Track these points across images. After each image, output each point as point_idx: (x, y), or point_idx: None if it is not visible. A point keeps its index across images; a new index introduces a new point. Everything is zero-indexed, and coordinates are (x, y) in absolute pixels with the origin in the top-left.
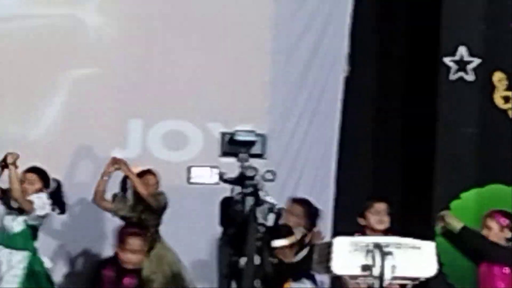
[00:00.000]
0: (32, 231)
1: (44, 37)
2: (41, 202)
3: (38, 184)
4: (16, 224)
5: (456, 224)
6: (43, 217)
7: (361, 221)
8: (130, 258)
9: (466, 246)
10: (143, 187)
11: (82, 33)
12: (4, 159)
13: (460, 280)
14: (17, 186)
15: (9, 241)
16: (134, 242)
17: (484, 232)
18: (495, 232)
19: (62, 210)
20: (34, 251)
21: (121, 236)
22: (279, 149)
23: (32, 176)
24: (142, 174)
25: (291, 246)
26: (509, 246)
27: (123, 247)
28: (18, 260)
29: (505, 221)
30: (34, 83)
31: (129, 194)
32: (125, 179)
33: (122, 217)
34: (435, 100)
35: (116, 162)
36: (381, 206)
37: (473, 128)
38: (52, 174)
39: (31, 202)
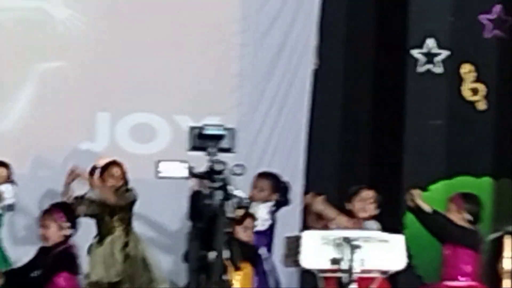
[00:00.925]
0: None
1: (12, 30)
2: (9, 192)
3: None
4: None
5: (425, 207)
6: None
7: (348, 205)
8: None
9: (434, 226)
10: (105, 191)
11: (50, 26)
12: None
13: (429, 272)
14: None
15: None
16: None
17: (446, 214)
18: (454, 214)
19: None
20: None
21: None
22: (248, 141)
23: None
24: (107, 166)
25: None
26: (472, 229)
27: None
28: None
29: (462, 204)
30: (2, 76)
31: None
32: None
33: (92, 216)
34: (403, 93)
35: (73, 172)
36: (368, 194)
37: (441, 120)
38: (20, 167)
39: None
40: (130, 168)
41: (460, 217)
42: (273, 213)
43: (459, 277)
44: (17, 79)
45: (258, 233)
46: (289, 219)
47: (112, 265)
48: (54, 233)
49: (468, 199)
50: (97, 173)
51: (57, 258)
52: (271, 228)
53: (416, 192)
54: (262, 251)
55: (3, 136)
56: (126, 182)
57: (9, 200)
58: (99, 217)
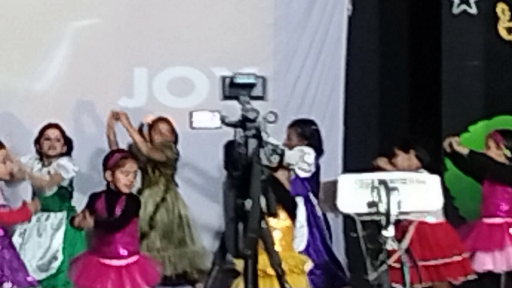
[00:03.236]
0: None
1: None
2: (70, 164)
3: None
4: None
5: (463, 150)
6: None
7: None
8: (128, 180)
9: (472, 167)
10: (142, 143)
11: None
12: None
13: (471, 213)
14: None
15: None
16: (130, 164)
17: (485, 151)
18: (493, 150)
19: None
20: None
21: (115, 161)
22: (285, 91)
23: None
24: (154, 122)
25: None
26: (511, 165)
27: (118, 170)
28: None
29: (501, 140)
30: (37, 36)
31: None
32: (140, 129)
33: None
34: (439, 34)
35: (116, 114)
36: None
37: (478, 61)
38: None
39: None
40: None
41: (499, 154)
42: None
43: (498, 214)
44: (53, 38)
45: (303, 179)
46: (330, 167)
47: (143, 218)
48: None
49: (507, 136)
50: (145, 130)
51: (131, 202)
52: (315, 175)
53: (453, 139)
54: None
55: (41, 96)
56: (176, 138)
57: (72, 172)
58: (143, 169)
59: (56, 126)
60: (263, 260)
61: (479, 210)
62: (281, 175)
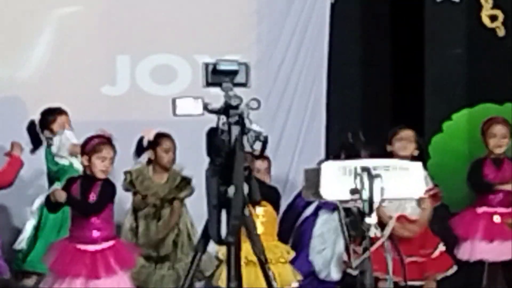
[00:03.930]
0: None
1: None
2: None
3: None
4: None
5: None
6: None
7: (389, 148)
8: (104, 166)
9: None
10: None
11: None
12: None
13: (454, 201)
14: None
15: None
16: (107, 150)
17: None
18: None
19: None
20: None
21: (92, 146)
22: (268, 78)
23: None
24: (158, 139)
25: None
26: None
27: (95, 155)
28: None
29: None
30: (20, 24)
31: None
32: (140, 142)
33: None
34: (422, 22)
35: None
36: (408, 133)
37: (461, 49)
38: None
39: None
40: (152, 110)
41: None
42: None
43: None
44: (35, 26)
45: None
46: (313, 155)
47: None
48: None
49: None
50: (144, 143)
51: (107, 188)
52: None
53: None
54: None
55: (23, 83)
56: (174, 158)
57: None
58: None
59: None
60: (246, 247)
61: (462, 198)
62: (260, 165)
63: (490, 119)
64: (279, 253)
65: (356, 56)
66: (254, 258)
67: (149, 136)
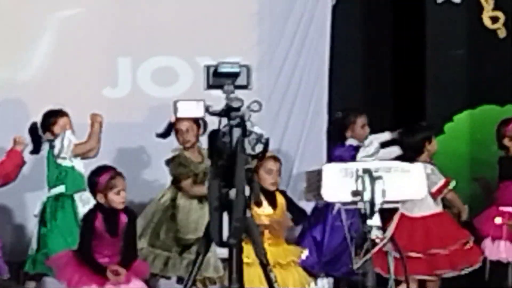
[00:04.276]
0: None
1: None
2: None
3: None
4: None
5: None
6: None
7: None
8: (122, 198)
9: None
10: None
11: None
12: None
13: None
14: None
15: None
16: (121, 182)
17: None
18: None
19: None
20: None
21: (105, 183)
22: (270, 80)
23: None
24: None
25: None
26: None
27: (110, 191)
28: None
29: None
30: (21, 26)
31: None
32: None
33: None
34: (423, 24)
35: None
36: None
37: (462, 50)
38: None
39: None
40: (154, 111)
41: None
42: None
43: None
44: (36, 28)
45: None
46: (315, 156)
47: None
48: None
49: None
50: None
51: (133, 221)
52: None
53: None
54: None
55: (25, 85)
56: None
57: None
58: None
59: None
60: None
61: (463, 199)
62: (272, 165)
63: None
64: (291, 256)
65: (357, 58)
66: (280, 260)
67: (171, 119)
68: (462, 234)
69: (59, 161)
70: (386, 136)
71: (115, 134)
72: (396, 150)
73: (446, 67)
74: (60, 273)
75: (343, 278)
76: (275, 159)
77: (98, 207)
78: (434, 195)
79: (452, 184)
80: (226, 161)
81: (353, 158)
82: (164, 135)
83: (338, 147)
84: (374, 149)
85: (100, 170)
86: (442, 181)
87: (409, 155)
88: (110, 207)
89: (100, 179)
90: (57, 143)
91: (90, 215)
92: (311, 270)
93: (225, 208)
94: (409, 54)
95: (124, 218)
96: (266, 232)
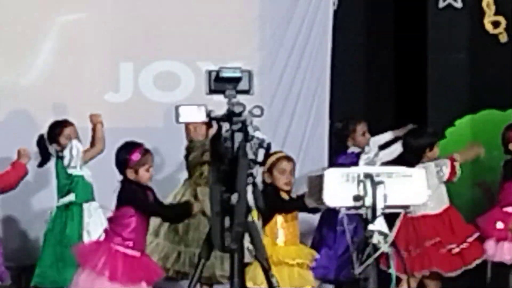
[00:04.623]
0: None
1: None
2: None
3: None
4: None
5: None
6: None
7: None
8: (151, 174)
9: None
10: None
11: None
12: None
13: (458, 207)
14: None
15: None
16: (151, 158)
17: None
18: None
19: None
20: None
21: (138, 159)
22: (271, 85)
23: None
24: None
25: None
26: None
27: (142, 167)
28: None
29: None
30: (23, 31)
31: None
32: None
33: None
34: (425, 28)
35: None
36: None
37: (464, 55)
38: (44, 120)
39: None
40: (156, 116)
41: None
42: None
43: None
44: (38, 33)
45: None
46: (316, 161)
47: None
48: None
49: None
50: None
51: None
52: None
53: None
54: None
55: (27, 90)
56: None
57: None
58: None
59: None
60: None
61: (465, 204)
62: (286, 165)
63: None
64: (305, 257)
65: (359, 62)
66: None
67: None
68: (470, 229)
69: (70, 171)
70: (387, 136)
71: (117, 139)
72: (397, 148)
73: (448, 71)
74: (86, 261)
75: (346, 282)
76: (289, 159)
77: (126, 182)
78: (449, 179)
79: (457, 157)
80: (227, 166)
81: (355, 165)
82: None
83: (341, 156)
84: (374, 154)
85: (131, 147)
86: (448, 164)
87: (409, 158)
88: (138, 183)
89: (132, 156)
90: (66, 153)
91: (139, 192)
92: (324, 277)
93: (226, 213)
94: (411, 59)
95: (150, 194)
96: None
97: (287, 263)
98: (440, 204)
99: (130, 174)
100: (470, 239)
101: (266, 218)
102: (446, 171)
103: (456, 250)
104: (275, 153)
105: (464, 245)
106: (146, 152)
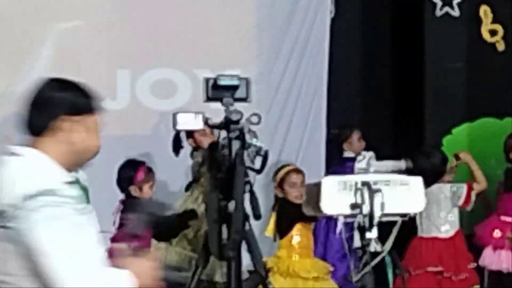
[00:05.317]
0: None
1: None
2: None
3: None
4: None
5: None
6: None
7: None
8: (152, 191)
9: None
10: None
11: None
12: None
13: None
14: None
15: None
16: (153, 176)
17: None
18: None
19: None
20: None
21: (142, 177)
22: (269, 93)
23: None
24: None
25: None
26: None
27: (146, 184)
28: None
29: None
30: (20, 38)
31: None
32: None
33: None
34: (422, 37)
35: None
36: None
37: (461, 63)
38: None
39: None
40: (153, 124)
41: None
42: None
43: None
44: (35, 40)
45: None
46: (313, 169)
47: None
48: None
49: None
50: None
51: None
52: None
53: None
54: None
55: (23, 97)
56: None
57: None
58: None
59: None
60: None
61: (463, 212)
62: (295, 178)
63: None
64: (324, 269)
65: (356, 70)
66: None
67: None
68: (469, 258)
69: None
70: (388, 165)
71: (114, 146)
72: (390, 165)
73: (445, 80)
74: None
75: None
76: (298, 171)
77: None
78: (463, 206)
79: (476, 186)
80: (225, 174)
81: (351, 170)
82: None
83: (337, 164)
84: (366, 165)
85: (135, 164)
86: (465, 189)
87: (427, 179)
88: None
89: (138, 174)
90: None
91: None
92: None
93: (224, 220)
94: (408, 67)
95: None
96: (296, 244)
97: (302, 276)
98: (453, 227)
99: (134, 191)
100: (469, 267)
101: (285, 229)
102: (462, 196)
103: (454, 279)
104: (283, 166)
105: (463, 276)
106: (149, 170)
